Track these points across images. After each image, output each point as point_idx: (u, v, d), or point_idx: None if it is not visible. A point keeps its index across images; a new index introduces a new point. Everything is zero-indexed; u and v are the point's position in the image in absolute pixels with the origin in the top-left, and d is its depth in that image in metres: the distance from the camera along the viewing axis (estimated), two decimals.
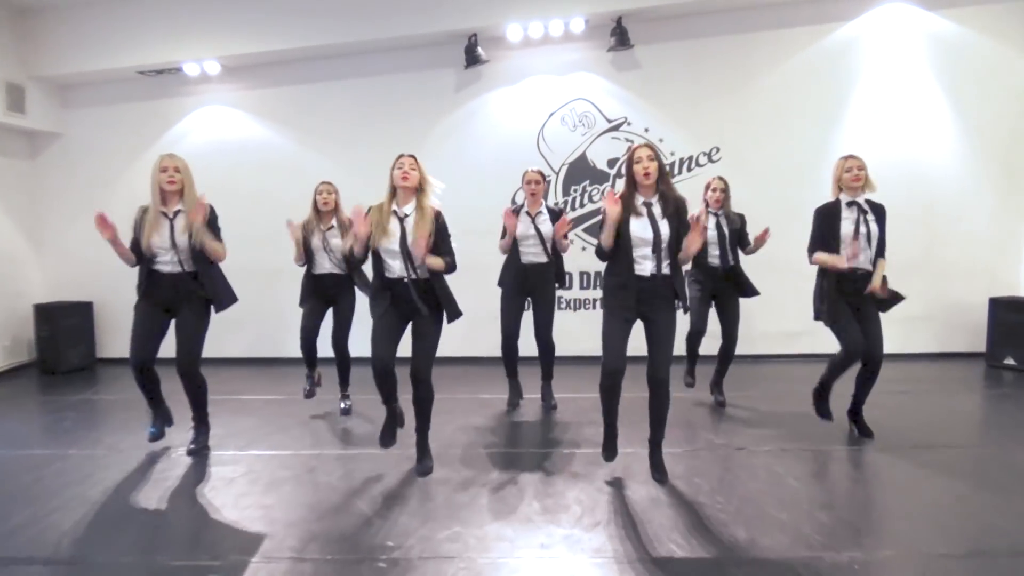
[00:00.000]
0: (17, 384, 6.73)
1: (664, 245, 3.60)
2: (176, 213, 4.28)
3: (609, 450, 3.98)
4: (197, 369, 4.38)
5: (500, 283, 5.27)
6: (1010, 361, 6.49)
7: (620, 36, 6.72)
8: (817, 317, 4.51)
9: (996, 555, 2.98)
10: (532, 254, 5.12)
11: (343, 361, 5.35)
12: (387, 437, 4.15)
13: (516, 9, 6.73)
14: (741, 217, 5.25)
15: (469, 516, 3.45)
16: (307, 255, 5.19)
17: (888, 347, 6.79)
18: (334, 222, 5.17)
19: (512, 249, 5.15)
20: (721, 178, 5.23)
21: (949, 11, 6.77)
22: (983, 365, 6.66)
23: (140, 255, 4.32)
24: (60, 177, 7.69)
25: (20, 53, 7.00)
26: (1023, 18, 6.70)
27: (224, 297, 4.41)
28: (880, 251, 4.42)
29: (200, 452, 4.47)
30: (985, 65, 6.80)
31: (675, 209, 3.64)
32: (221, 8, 6.95)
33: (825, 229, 4.39)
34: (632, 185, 3.66)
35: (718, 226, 5.13)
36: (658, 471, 3.88)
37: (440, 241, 3.88)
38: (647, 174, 3.57)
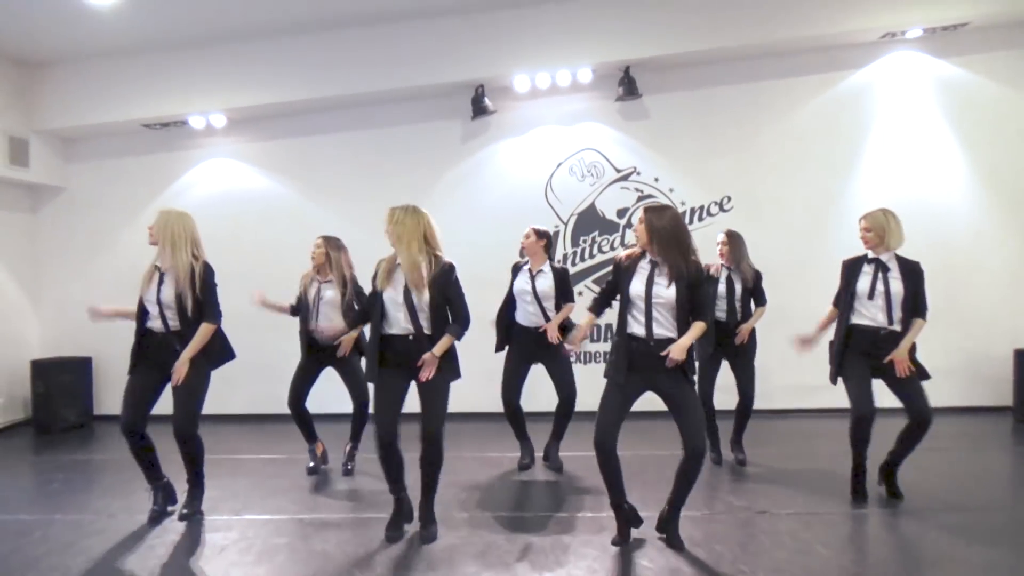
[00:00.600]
0: (10, 444, 6.56)
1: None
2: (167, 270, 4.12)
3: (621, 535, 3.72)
4: (194, 432, 4.18)
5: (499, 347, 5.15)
6: None
7: (628, 86, 6.78)
8: (832, 379, 4.39)
9: None
10: (530, 314, 4.95)
11: (359, 417, 5.22)
12: (394, 529, 3.88)
13: (523, 60, 6.81)
14: (757, 273, 5.09)
15: None
16: (304, 310, 5.07)
17: None
18: (331, 277, 5.03)
19: (509, 304, 5.05)
20: (727, 232, 5.16)
21: (958, 59, 6.80)
22: (1010, 419, 6.46)
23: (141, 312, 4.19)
24: (61, 231, 7.75)
25: (24, 106, 7.12)
26: None
27: (218, 355, 4.23)
28: (914, 311, 4.26)
29: (193, 517, 4.24)
30: (996, 111, 6.81)
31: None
32: (227, 60, 7.07)
33: (843, 283, 4.36)
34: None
35: (728, 280, 4.98)
36: (675, 537, 3.66)
37: (452, 298, 3.76)
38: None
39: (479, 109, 6.96)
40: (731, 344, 5.01)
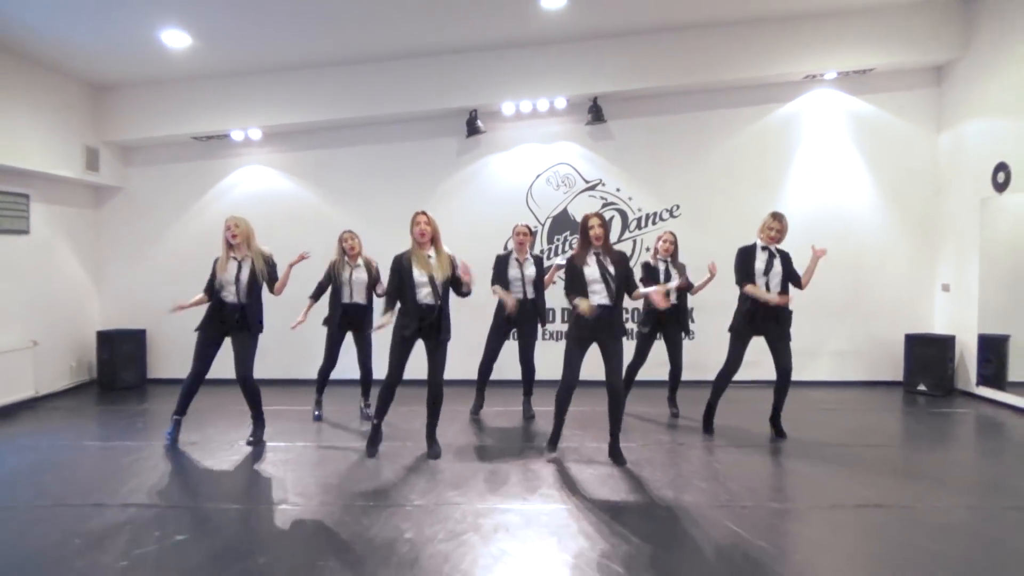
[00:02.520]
0: (83, 399, 7.87)
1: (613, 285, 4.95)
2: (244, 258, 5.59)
3: (553, 443, 5.30)
4: (251, 376, 5.68)
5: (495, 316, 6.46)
6: (922, 387, 7.66)
7: (596, 112, 8.05)
8: (730, 329, 5.88)
9: (880, 507, 4.21)
10: (517, 293, 6.25)
11: (368, 377, 6.62)
12: (372, 448, 5.40)
13: (510, 90, 8.06)
14: (682, 267, 6.49)
15: (469, 485, 4.66)
16: (336, 288, 6.36)
17: (821, 375, 8.19)
18: (360, 262, 6.38)
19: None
20: (672, 232, 6.49)
21: (868, 96, 8.11)
22: (901, 391, 7.83)
23: (211, 291, 5.64)
24: (120, 225, 8.91)
25: (96, 121, 8.30)
26: (932, 103, 8.06)
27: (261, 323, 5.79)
28: (794, 284, 5.79)
29: (258, 444, 5.67)
30: (898, 139, 8.11)
31: (619, 259, 5.06)
32: (264, 87, 8.24)
33: (744, 263, 5.75)
34: (585, 242, 5.01)
35: (667, 271, 6.37)
36: (617, 458, 5.15)
37: (457, 277, 5.18)
38: (598, 237, 4.94)
39: (472, 129, 8.17)
40: (669, 322, 6.40)
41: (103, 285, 8.96)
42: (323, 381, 6.60)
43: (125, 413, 7.07)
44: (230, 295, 5.61)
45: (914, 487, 4.59)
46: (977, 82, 7.44)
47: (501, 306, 6.30)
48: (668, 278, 6.35)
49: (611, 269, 4.95)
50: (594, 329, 4.94)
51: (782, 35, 7.68)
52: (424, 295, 5.08)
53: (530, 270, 6.31)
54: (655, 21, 7.57)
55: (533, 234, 6.54)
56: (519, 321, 6.31)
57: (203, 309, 5.71)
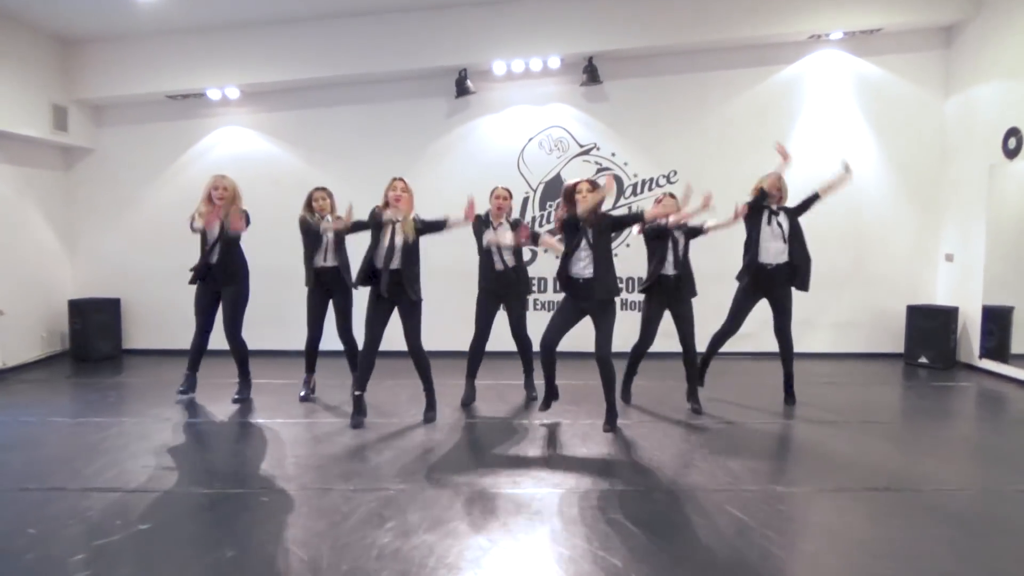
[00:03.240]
0: (55, 370, 7.57)
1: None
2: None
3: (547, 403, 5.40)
4: (237, 333, 5.80)
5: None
6: (923, 360, 7.50)
7: (591, 73, 7.71)
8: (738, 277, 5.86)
9: (888, 489, 4.00)
10: (497, 264, 5.69)
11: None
12: (356, 419, 5.27)
13: (501, 48, 7.70)
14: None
15: (457, 467, 4.41)
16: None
17: (820, 347, 8.01)
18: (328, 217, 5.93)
19: (486, 256, 5.74)
20: (672, 195, 5.60)
21: (875, 58, 7.81)
22: (901, 364, 7.67)
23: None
24: (92, 188, 8.53)
25: (65, 78, 7.88)
26: (940, 66, 7.78)
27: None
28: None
29: (244, 401, 5.66)
30: (907, 105, 7.83)
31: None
32: (242, 43, 7.84)
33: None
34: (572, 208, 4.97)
35: (673, 237, 5.76)
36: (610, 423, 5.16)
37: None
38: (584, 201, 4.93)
39: (462, 90, 7.83)
40: (676, 296, 5.75)
41: (75, 251, 8.62)
42: (311, 356, 6.17)
43: (98, 386, 6.78)
44: (214, 255, 5.73)
45: (921, 467, 4.41)
46: (988, 44, 7.15)
47: (486, 275, 5.78)
48: (675, 244, 5.63)
49: (592, 239, 4.91)
50: (577, 298, 5.02)
51: None
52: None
53: (504, 236, 5.66)
54: None
55: (511, 198, 5.96)
56: (504, 294, 5.81)
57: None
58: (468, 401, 5.91)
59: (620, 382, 5.67)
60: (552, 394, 5.36)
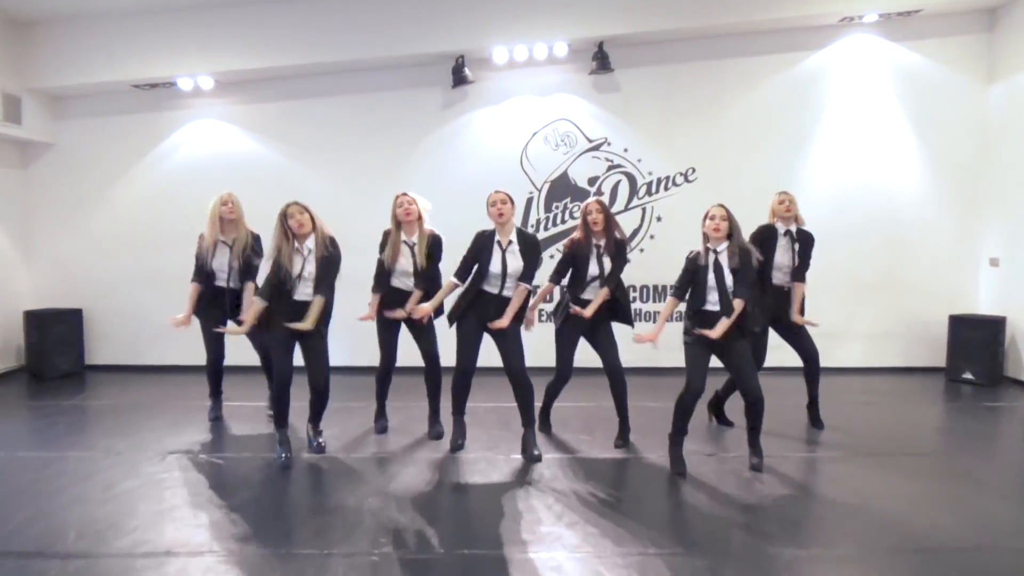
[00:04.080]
0: (7, 389, 6.84)
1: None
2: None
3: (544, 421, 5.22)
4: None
5: (451, 316, 4.72)
6: (968, 376, 6.82)
7: (601, 60, 7.05)
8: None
9: (937, 551, 3.25)
10: (492, 288, 4.63)
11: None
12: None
13: (502, 33, 7.04)
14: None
15: (434, 524, 3.67)
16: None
17: (853, 361, 7.37)
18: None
19: (478, 278, 4.64)
20: (722, 206, 4.36)
21: (913, 43, 7.15)
22: (943, 379, 6.98)
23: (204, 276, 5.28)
24: (52, 187, 7.87)
25: (17, 65, 7.21)
26: (982, 52, 7.11)
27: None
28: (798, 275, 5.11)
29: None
30: (947, 95, 7.18)
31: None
32: (217, 24, 7.20)
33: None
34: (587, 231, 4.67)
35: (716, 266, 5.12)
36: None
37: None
38: (595, 223, 4.63)
39: (459, 78, 7.18)
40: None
41: (32, 257, 7.92)
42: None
43: (49, 410, 6.03)
44: (221, 281, 5.29)
45: (987, 519, 3.65)
46: None
47: (473, 302, 4.64)
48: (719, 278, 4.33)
49: (607, 265, 4.67)
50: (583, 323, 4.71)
51: None
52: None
53: (515, 263, 4.56)
54: None
55: (512, 202, 4.67)
56: (492, 318, 4.63)
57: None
58: (457, 445, 4.78)
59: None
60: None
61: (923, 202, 7.29)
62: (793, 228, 5.05)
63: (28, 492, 4.00)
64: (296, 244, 4.40)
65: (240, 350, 5.68)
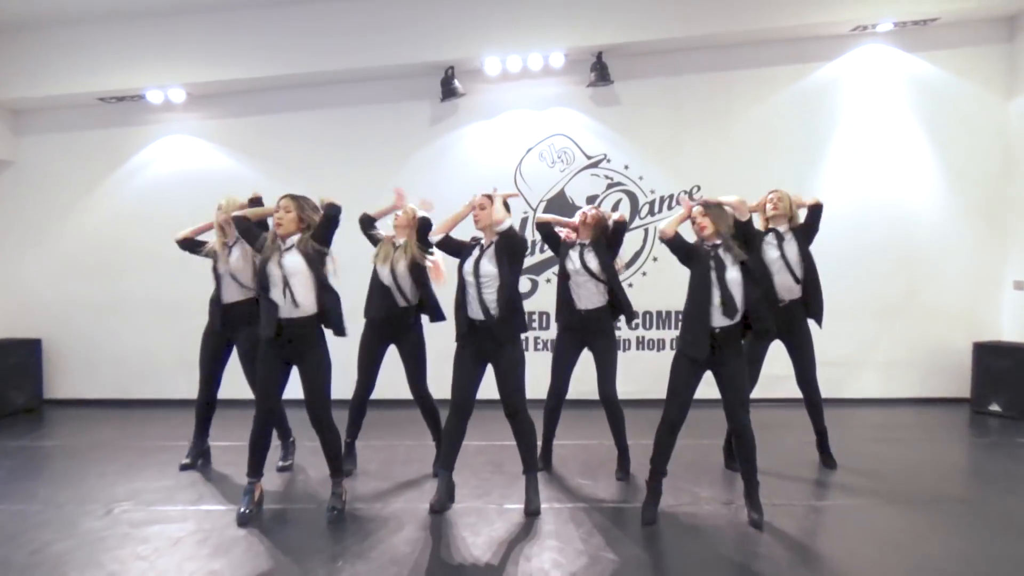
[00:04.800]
0: None
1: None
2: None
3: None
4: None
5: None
6: (995, 407, 6.41)
7: (600, 71, 6.74)
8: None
9: None
10: (489, 298, 4.03)
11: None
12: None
13: (494, 42, 6.73)
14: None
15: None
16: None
17: (870, 392, 6.93)
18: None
19: (460, 293, 4.13)
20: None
21: (929, 53, 6.83)
22: (967, 411, 6.57)
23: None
24: (10, 207, 7.48)
25: None
26: (1002, 62, 6.80)
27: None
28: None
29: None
30: (965, 108, 6.85)
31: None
32: (189, 33, 6.89)
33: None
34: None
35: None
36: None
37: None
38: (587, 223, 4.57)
39: (448, 91, 6.87)
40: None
41: None
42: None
43: None
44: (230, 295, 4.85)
45: None
46: None
47: (464, 332, 4.13)
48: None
49: (593, 265, 4.46)
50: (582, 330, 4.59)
51: None
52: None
53: (488, 266, 4.04)
54: None
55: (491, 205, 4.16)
56: (487, 348, 4.09)
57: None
58: (444, 503, 4.11)
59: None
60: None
61: (942, 221, 6.94)
62: (783, 228, 4.80)
63: None
64: (279, 243, 3.91)
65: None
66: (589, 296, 4.52)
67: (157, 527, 3.84)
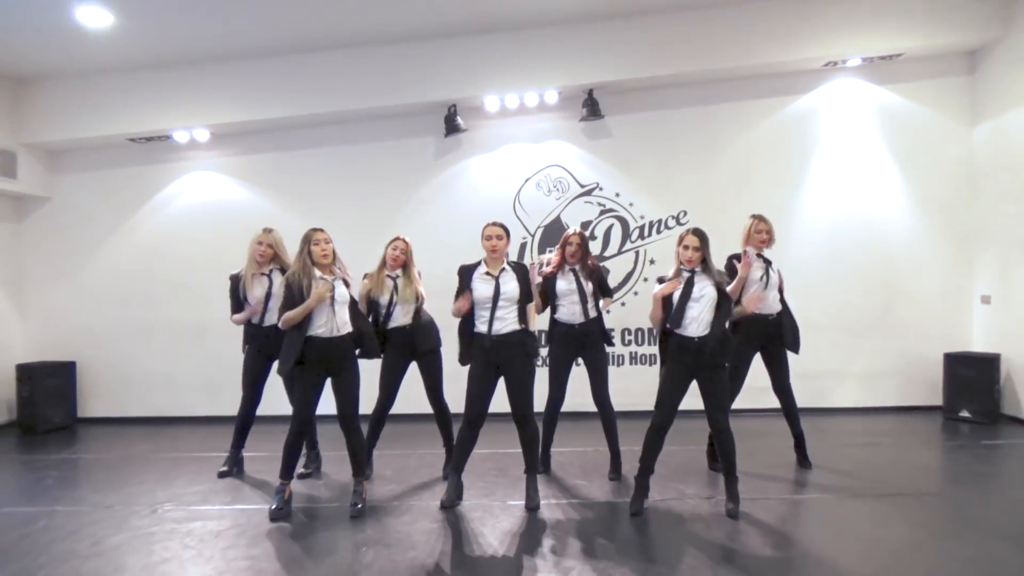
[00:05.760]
0: None
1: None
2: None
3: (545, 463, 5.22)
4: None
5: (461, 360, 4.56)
6: (965, 414, 6.76)
7: (591, 107, 7.14)
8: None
9: None
10: (498, 320, 4.39)
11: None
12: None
13: (493, 81, 7.15)
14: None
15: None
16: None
17: (850, 401, 7.29)
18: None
19: (469, 317, 4.48)
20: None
21: (896, 86, 7.26)
22: (940, 418, 6.92)
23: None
24: (46, 240, 7.88)
25: (12, 120, 7.28)
26: (964, 93, 7.22)
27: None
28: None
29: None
30: (932, 136, 7.27)
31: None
32: (211, 79, 7.29)
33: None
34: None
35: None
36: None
37: None
38: (573, 255, 4.93)
39: (452, 127, 7.26)
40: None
41: (25, 310, 7.88)
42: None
43: (39, 464, 5.94)
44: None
45: (986, 562, 3.57)
46: (1018, 67, 6.61)
47: (474, 341, 4.49)
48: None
49: (586, 285, 4.94)
50: (569, 345, 5.00)
51: (799, 17, 6.85)
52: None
53: (510, 285, 4.43)
54: (657, 1, 6.73)
55: (507, 237, 4.60)
56: (503, 362, 4.44)
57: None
58: (453, 500, 4.54)
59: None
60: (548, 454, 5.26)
61: (914, 241, 7.32)
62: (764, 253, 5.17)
63: (14, 549, 3.92)
64: (318, 273, 4.36)
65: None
66: (577, 312, 4.94)
67: (198, 523, 4.30)
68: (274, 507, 4.38)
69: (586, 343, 4.99)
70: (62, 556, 3.81)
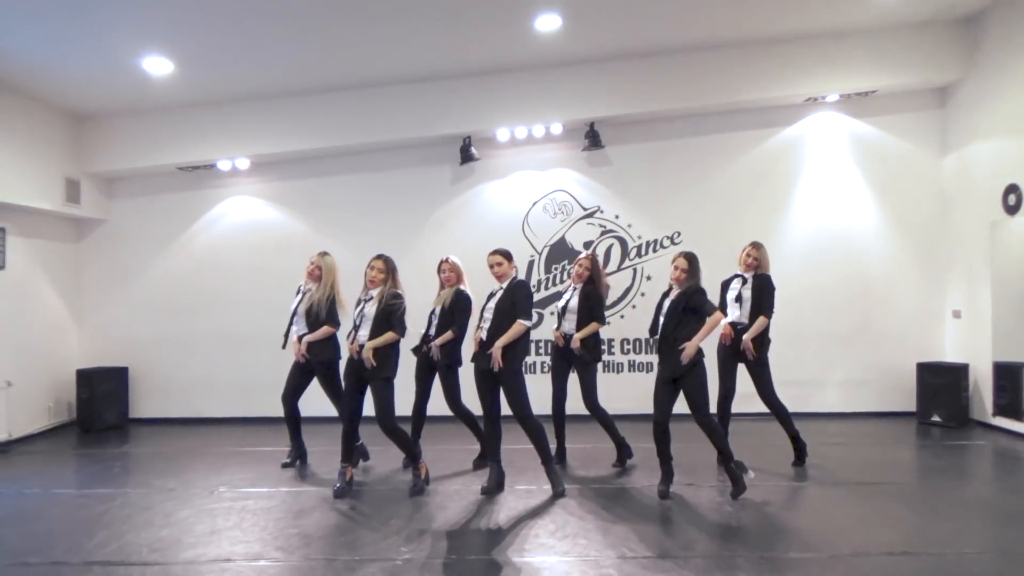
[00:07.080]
0: (60, 440, 7.53)
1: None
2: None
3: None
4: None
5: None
6: (936, 419, 7.36)
7: (593, 138, 7.83)
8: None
9: (906, 554, 3.90)
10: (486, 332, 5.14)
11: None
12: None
13: (504, 116, 7.86)
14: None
15: (464, 536, 4.32)
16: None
17: (831, 406, 7.89)
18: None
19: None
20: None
21: (871, 118, 7.91)
22: (915, 422, 7.51)
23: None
24: (102, 258, 8.62)
25: (77, 152, 8.04)
26: (935, 126, 7.87)
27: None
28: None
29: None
30: (906, 164, 7.90)
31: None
32: (251, 116, 8.01)
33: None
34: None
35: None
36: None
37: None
38: (579, 275, 5.79)
39: (466, 156, 7.95)
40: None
41: (83, 321, 8.64)
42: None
43: (103, 457, 6.72)
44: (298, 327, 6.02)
45: (941, 529, 4.31)
46: (983, 103, 7.25)
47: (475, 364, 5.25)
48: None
49: (573, 303, 5.78)
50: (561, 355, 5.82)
51: (782, 57, 7.53)
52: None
53: (497, 302, 5.23)
54: (652, 44, 7.40)
55: (508, 262, 5.32)
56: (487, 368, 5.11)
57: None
58: (493, 487, 5.19)
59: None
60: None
61: (890, 260, 7.93)
62: (748, 275, 5.78)
63: (101, 520, 4.69)
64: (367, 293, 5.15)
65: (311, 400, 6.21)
66: (570, 325, 5.77)
67: (252, 501, 5.07)
68: (338, 486, 5.14)
69: (571, 357, 5.73)
70: (141, 524, 4.58)
